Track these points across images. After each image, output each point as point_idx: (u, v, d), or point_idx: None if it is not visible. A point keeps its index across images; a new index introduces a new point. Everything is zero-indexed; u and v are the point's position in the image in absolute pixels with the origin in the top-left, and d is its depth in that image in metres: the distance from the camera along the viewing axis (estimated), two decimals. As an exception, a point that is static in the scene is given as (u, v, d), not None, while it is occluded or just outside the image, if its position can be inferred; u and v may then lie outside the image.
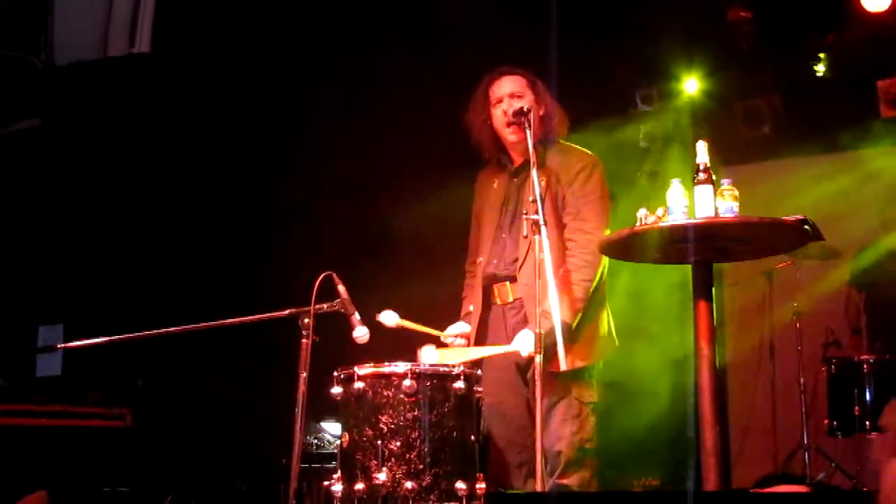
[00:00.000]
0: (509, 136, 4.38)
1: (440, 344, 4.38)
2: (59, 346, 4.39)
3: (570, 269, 4.17)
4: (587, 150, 4.44)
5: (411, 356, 3.98)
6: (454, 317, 4.60)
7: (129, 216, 7.39)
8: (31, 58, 7.05)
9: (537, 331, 3.72)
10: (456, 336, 4.46)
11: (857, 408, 6.14)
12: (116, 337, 4.01)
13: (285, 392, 3.92)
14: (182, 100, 7.22)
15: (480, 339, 4.43)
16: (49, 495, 4.95)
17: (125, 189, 7.42)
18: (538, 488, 3.62)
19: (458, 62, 6.23)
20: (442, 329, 4.48)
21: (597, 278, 4.22)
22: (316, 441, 6.26)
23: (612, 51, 7.24)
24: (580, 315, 4.16)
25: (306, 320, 3.81)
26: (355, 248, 6.82)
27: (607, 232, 4.22)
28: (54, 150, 7.41)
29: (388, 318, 4.32)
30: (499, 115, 4.38)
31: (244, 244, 7.29)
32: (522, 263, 4.24)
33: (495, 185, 4.54)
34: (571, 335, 4.08)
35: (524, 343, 4.12)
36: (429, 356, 4.17)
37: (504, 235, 4.41)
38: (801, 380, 6.59)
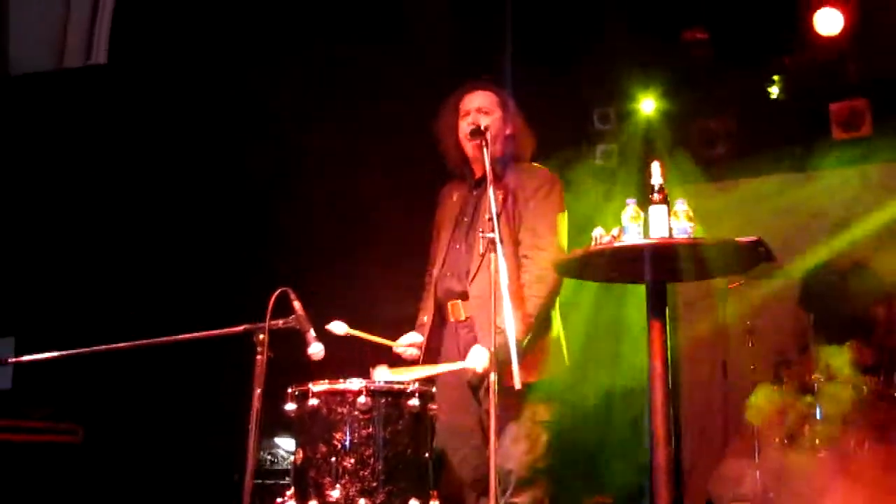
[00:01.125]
0: (468, 149, 4.41)
1: (393, 356, 4.39)
2: (10, 360, 4.31)
3: (524, 285, 4.17)
4: (546, 169, 4.47)
5: (366, 373, 3.97)
6: (408, 327, 4.61)
7: (80, 229, 7.32)
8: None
9: (490, 348, 3.73)
10: (408, 346, 4.47)
11: (806, 426, 6.22)
12: (69, 352, 3.96)
13: (239, 408, 3.90)
14: (138, 111, 7.18)
15: (433, 352, 4.43)
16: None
17: (79, 201, 7.35)
18: (492, 506, 3.62)
19: (415, 73, 6.28)
20: (394, 339, 4.49)
21: (550, 295, 4.22)
22: (269, 457, 6.23)
23: (570, 69, 7.29)
24: (532, 331, 4.15)
25: (261, 336, 3.78)
26: (309, 260, 6.80)
27: (564, 250, 4.25)
28: (5, 161, 7.33)
29: (338, 327, 4.33)
30: (464, 128, 4.40)
31: (198, 259, 7.24)
32: (474, 277, 4.24)
33: (454, 197, 4.57)
34: (523, 351, 4.09)
35: (477, 359, 4.12)
36: (382, 374, 4.16)
37: (458, 247, 4.42)
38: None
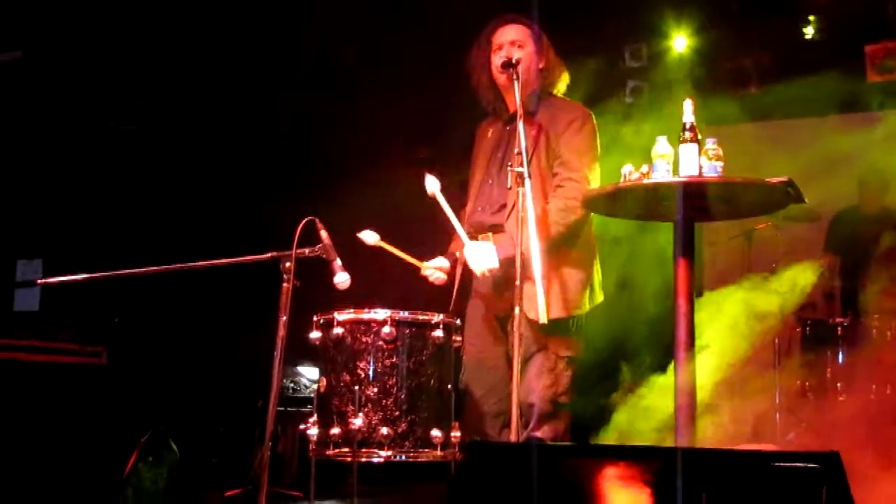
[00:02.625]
0: (500, 82, 4.38)
1: (420, 278, 4.42)
2: (39, 281, 4.35)
3: (550, 210, 4.15)
4: (580, 104, 4.43)
5: (391, 303, 3.98)
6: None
7: (111, 153, 7.35)
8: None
9: (518, 283, 3.72)
10: (435, 269, 4.46)
11: (829, 370, 6.22)
12: (96, 274, 3.99)
13: (263, 335, 3.93)
14: (166, 38, 7.15)
15: (466, 285, 4.43)
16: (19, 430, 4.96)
17: (108, 126, 7.37)
18: (513, 439, 3.65)
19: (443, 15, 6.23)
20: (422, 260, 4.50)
21: (573, 225, 4.19)
22: (292, 385, 6.28)
23: (601, 5, 7.20)
24: (550, 259, 4.12)
25: (287, 264, 3.79)
26: (342, 183, 6.79)
27: (595, 185, 4.22)
28: (35, 83, 7.33)
29: (369, 236, 4.35)
30: (496, 61, 4.35)
31: (228, 185, 7.25)
32: (510, 213, 4.19)
33: (490, 133, 4.54)
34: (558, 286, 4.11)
35: (473, 255, 4.15)
36: (369, 236, 4.28)
37: (491, 182, 4.40)
38: (776, 341, 6.63)
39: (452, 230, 4.35)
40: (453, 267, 4.46)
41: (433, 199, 4.25)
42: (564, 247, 4.18)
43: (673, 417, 3.85)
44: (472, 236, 4.31)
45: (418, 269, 4.45)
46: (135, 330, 6.73)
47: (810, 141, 6.83)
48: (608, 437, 4.64)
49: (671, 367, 3.91)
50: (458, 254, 4.42)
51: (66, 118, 7.39)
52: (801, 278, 5.67)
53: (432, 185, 4.24)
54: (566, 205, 4.15)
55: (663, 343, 4.50)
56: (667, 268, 4.00)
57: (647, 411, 4.62)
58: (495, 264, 4.12)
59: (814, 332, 6.44)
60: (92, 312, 6.42)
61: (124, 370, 6.12)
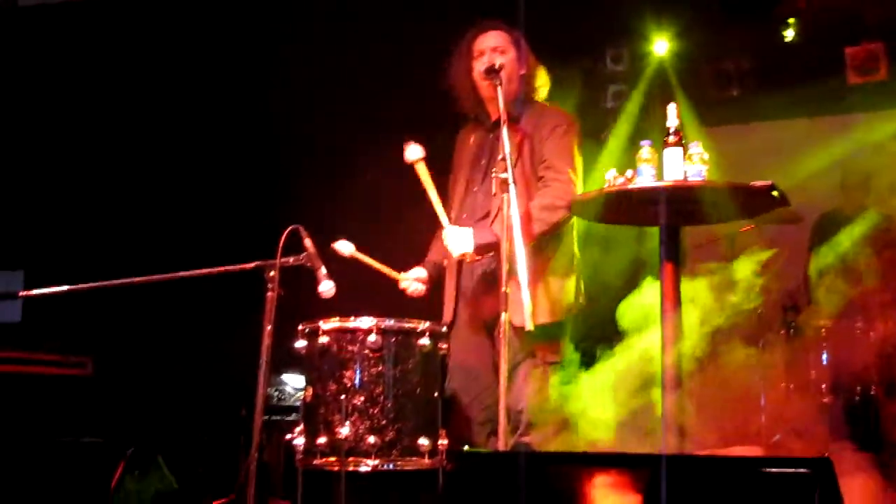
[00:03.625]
0: (482, 90, 4.37)
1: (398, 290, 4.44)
2: (21, 293, 4.32)
3: (533, 207, 4.14)
4: (563, 110, 4.44)
5: (377, 311, 3.97)
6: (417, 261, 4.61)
7: (93, 162, 7.31)
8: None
9: (504, 289, 3.72)
10: (413, 280, 4.47)
11: (813, 371, 6.23)
12: (79, 286, 3.96)
13: (248, 344, 3.91)
14: (146, 43, 7.13)
15: (449, 286, 4.44)
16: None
17: (89, 135, 7.33)
18: (500, 447, 3.64)
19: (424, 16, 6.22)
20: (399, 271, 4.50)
21: (555, 225, 4.18)
22: (277, 393, 6.25)
23: (583, 9, 7.20)
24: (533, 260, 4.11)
25: (272, 273, 3.78)
26: (323, 198, 6.77)
27: (580, 188, 4.23)
28: (15, 92, 7.29)
29: (344, 247, 4.37)
30: (478, 68, 4.35)
31: (211, 194, 7.22)
32: (493, 220, 4.21)
33: (471, 140, 4.54)
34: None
35: (451, 239, 4.17)
36: (344, 247, 4.32)
37: (475, 189, 4.41)
38: (760, 342, 6.64)
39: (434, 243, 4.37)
40: (431, 276, 4.47)
41: (414, 170, 4.26)
42: (548, 251, 4.18)
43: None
44: None
45: (396, 281, 4.45)
46: (119, 340, 6.68)
47: (793, 143, 6.86)
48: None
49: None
50: (446, 261, 4.42)
51: (45, 127, 7.34)
52: (741, 272, 5.65)
53: (414, 153, 4.26)
54: (552, 203, 4.15)
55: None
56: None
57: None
58: (470, 248, 4.15)
59: (798, 334, 6.45)
60: (76, 323, 6.37)
61: (109, 380, 6.08)
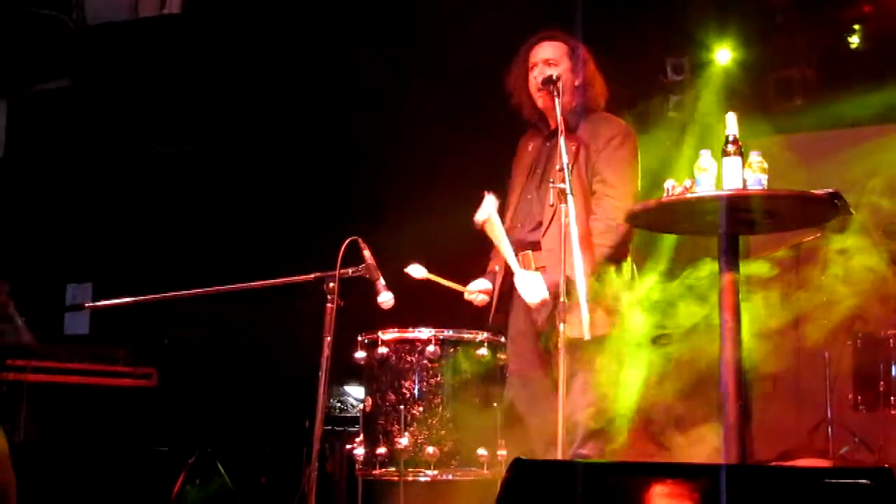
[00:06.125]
0: (539, 101, 4.39)
1: (465, 303, 4.45)
2: (87, 304, 4.42)
3: (592, 233, 4.15)
4: (621, 120, 4.44)
5: (436, 321, 3.99)
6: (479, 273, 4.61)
7: (158, 176, 7.44)
8: (63, 17, 7.07)
9: (562, 299, 3.71)
10: (478, 292, 4.48)
11: (882, 383, 6.13)
12: (144, 297, 4.04)
13: (309, 355, 3.95)
14: (212, 61, 7.24)
15: (505, 298, 4.43)
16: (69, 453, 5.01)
17: (154, 150, 7.46)
18: (559, 457, 3.63)
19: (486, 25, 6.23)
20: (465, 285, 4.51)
21: (617, 245, 4.19)
22: (339, 404, 6.29)
23: (644, 18, 7.17)
24: (595, 279, 4.11)
25: (331, 284, 3.83)
26: (386, 208, 6.80)
27: (636, 200, 4.21)
28: (85, 110, 7.44)
29: (416, 270, 4.38)
30: (533, 80, 4.37)
31: (273, 206, 7.30)
32: (546, 229, 4.23)
33: (530, 147, 4.56)
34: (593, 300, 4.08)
35: (524, 287, 4.15)
36: (417, 271, 4.33)
37: (530, 198, 4.41)
38: (826, 354, 6.55)
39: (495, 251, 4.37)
40: (494, 284, 4.47)
41: (483, 225, 4.23)
42: (606, 261, 4.17)
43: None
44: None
45: (461, 293, 4.47)
46: (184, 351, 6.78)
47: (859, 151, 6.75)
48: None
49: None
50: (497, 268, 4.43)
51: (113, 143, 7.49)
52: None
53: (490, 205, 4.22)
54: (607, 225, 4.16)
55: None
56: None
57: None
58: (545, 294, 4.13)
59: (865, 345, 6.34)
60: (142, 334, 6.48)
61: (174, 391, 6.17)
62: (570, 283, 3.70)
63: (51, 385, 5.59)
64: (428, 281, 4.38)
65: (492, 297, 4.46)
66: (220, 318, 6.53)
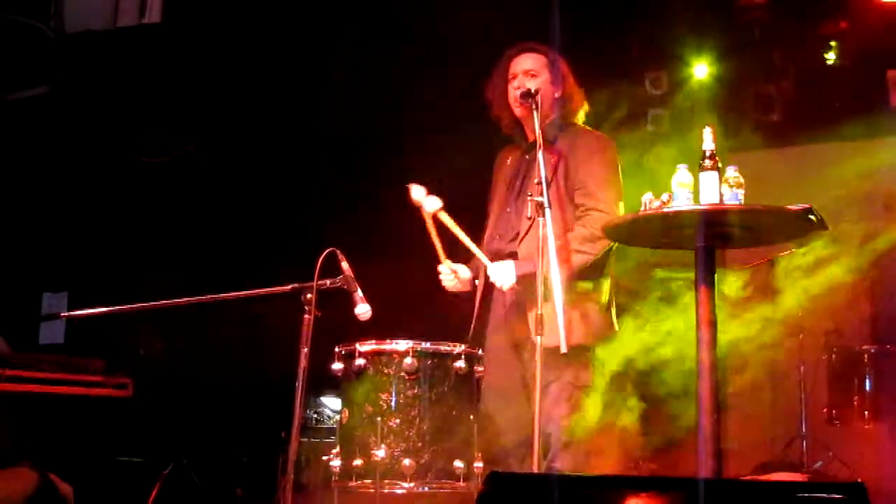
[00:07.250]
0: (517, 113, 4.40)
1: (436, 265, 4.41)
2: (62, 314, 4.39)
3: (572, 239, 4.16)
4: (601, 133, 4.45)
5: (414, 333, 3.99)
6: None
7: (135, 186, 7.40)
8: (41, 25, 7.04)
9: (539, 312, 3.72)
10: (453, 273, 4.40)
11: (856, 398, 6.17)
12: (120, 307, 4.02)
13: (286, 366, 3.94)
14: (190, 71, 7.22)
15: (483, 309, 4.43)
16: (43, 463, 4.97)
17: (132, 159, 7.43)
18: (535, 469, 3.63)
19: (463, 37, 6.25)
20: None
21: (596, 256, 4.20)
22: (315, 415, 6.29)
23: (622, 33, 7.21)
24: (570, 288, 4.10)
25: (308, 296, 3.82)
26: (359, 222, 6.80)
27: (618, 212, 4.23)
28: (63, 118, 7.41)
29: (431, 202, 4.28)
30: (513, 91, 4.38)
31: (250, 217, 7.29)
32: (522, 239, 4.25)
33: (509, 161, 4.56)
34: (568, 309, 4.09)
35: (498, 273, 4.16)
36: (418, 192, 4.27)
37: (509, 210, 4.42)
38: (801, 368, 6.59)
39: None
40: (472, 281, 4.44)
41: (433, 220, 4.24)
42: (585, 273, 4.18)
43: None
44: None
45: (439, 260, 4.40)
46: (159, 361, 6.75)
47: (835, 167, 6.80)
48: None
49: None
50: (476, 281, 4.42)
51: (90, 152, 7.45)
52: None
53: (433, 203, 4.24)
54: (591, 234, 4.17)
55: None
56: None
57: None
58: (513, 280, 4.14)
59: (840, 359, 6.39)
60: (117, 344, 6.45)
61: (149, 402, 6.14)
62: (546, 289, 3.71)
63: (25, 394, 5.55)
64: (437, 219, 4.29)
65: (471, 307, 4.45)
66: (197, 329, 6.51)
